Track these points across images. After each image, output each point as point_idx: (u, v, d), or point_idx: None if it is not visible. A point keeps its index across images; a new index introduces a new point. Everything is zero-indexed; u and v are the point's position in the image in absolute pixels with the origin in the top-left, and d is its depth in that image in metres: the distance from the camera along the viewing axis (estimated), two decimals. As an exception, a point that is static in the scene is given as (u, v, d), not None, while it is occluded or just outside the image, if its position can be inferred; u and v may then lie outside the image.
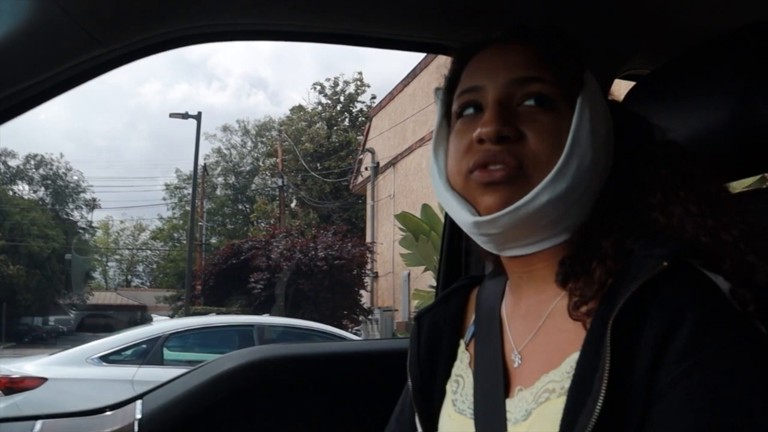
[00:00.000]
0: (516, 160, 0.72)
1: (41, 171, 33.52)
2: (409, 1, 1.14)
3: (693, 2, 1.17)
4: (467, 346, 0.87)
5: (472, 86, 0.79)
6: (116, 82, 67.50)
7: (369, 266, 17.77)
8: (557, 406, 0.66)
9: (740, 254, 0.67)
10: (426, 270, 12.23)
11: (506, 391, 0.76)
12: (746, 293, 0.63)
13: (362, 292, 17.67)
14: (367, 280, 17.87)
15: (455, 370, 0.87)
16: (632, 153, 0.78)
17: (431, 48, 1.27)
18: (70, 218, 33.47)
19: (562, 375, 0.69)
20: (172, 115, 21.86)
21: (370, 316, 17.09)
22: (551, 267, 0.76)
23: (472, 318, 0.90)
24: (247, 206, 37.07)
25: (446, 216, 1.47)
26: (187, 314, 16.42)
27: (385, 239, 17.66)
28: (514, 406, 0.74)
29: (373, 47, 1.23)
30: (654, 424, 0.60)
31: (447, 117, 0.83)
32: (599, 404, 0.60)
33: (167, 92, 67.70)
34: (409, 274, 15.13)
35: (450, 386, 0.86)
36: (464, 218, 0.77)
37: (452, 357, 0.88)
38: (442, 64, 0.89)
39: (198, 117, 21.31)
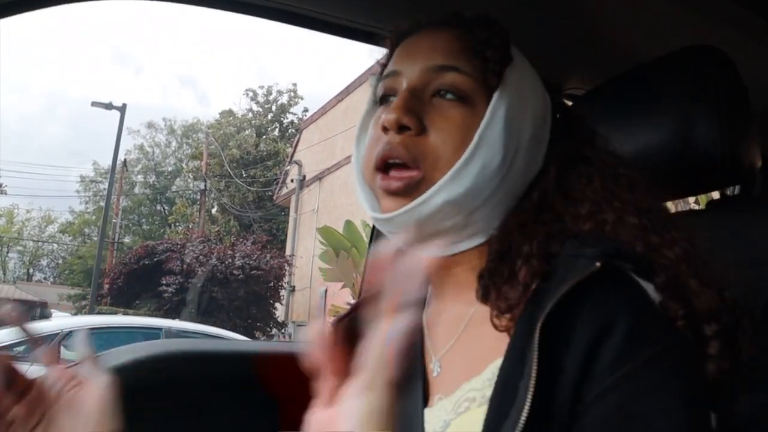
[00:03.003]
0: (412, 157, 0.69)
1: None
2: None
3: (632, 24, 1.19)
4: None
5: (392, 71, 0.76)
6: (35, 61, 64.10)
7: (286, 279, 17.52)
8: (478, 415, 0.62)
9: (683, 275, 0.64)
10: (344, 287, 12.17)
11: (426, 401, 0.71)
12: (679, 309, 0.62)
13: (277, 305, 17.40)
14: (284, 293, 17.59)
15: None
16: (566, 160, 0.74)
17: (365, 36, 1.22)
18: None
19: (483, 383, 0.65)
20: (94, 104, 20.45)
21: (283, 330, 16.82)
22: (471, 272, 0.72)
23: None
24: (166, 207, 35.92)
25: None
26: (92, 313, 15.63)
27: (305, 253, 17.48)
28: (433, 416, 0.69)
29: (300, 26, 1.17)
30: None
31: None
32: (524, 414, 0.56)
33: (91, 77, 64.59)
34: (326, 290, 15.01)
35: None
36: (368, 212, 0.76)
37: None
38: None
39: (122, 109, 20.30)
